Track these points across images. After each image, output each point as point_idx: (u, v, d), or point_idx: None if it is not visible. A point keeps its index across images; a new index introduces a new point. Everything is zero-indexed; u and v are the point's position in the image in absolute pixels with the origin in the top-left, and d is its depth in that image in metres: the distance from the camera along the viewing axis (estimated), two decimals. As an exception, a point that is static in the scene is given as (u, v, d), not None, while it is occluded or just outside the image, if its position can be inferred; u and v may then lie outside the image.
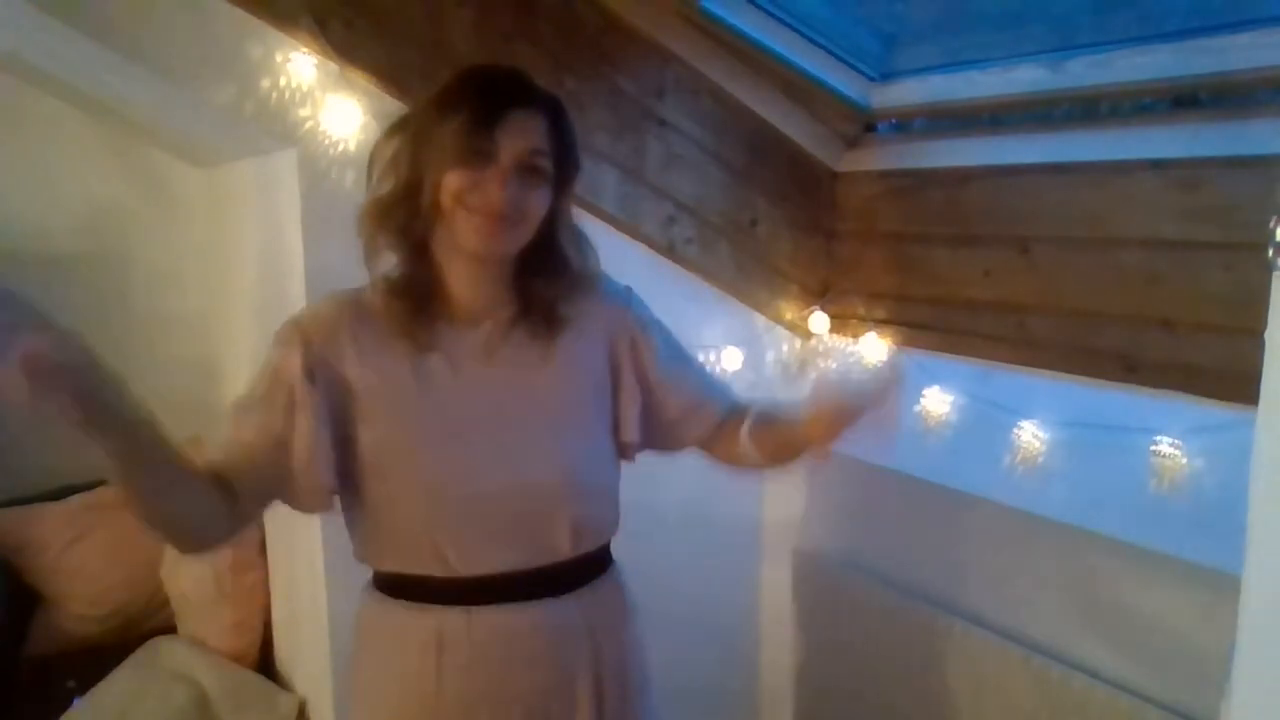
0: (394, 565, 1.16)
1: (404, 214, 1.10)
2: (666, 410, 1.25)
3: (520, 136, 1.07)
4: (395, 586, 1.17)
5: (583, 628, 1.19)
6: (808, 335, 2.24)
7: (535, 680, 1.16)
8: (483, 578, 1.13)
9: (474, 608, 1.13)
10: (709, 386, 1.30)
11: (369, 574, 1.22)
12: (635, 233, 1.97)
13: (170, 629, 2.40)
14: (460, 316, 1.15)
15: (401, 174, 1.10)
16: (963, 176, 1.86)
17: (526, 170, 1.08)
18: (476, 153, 1.06)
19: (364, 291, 1.16)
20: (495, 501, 1.13)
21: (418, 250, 1.12)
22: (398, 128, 1.14)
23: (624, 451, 1.26)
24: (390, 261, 1.15)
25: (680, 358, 1.29)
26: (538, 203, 1.10)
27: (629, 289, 1.27)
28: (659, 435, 1.27)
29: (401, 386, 1.12)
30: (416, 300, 1.12)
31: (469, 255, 1.11)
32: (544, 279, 1.16)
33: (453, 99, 1.08)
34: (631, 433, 1.23)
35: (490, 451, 1.13)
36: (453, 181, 1.06)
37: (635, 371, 1.23)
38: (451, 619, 1.13)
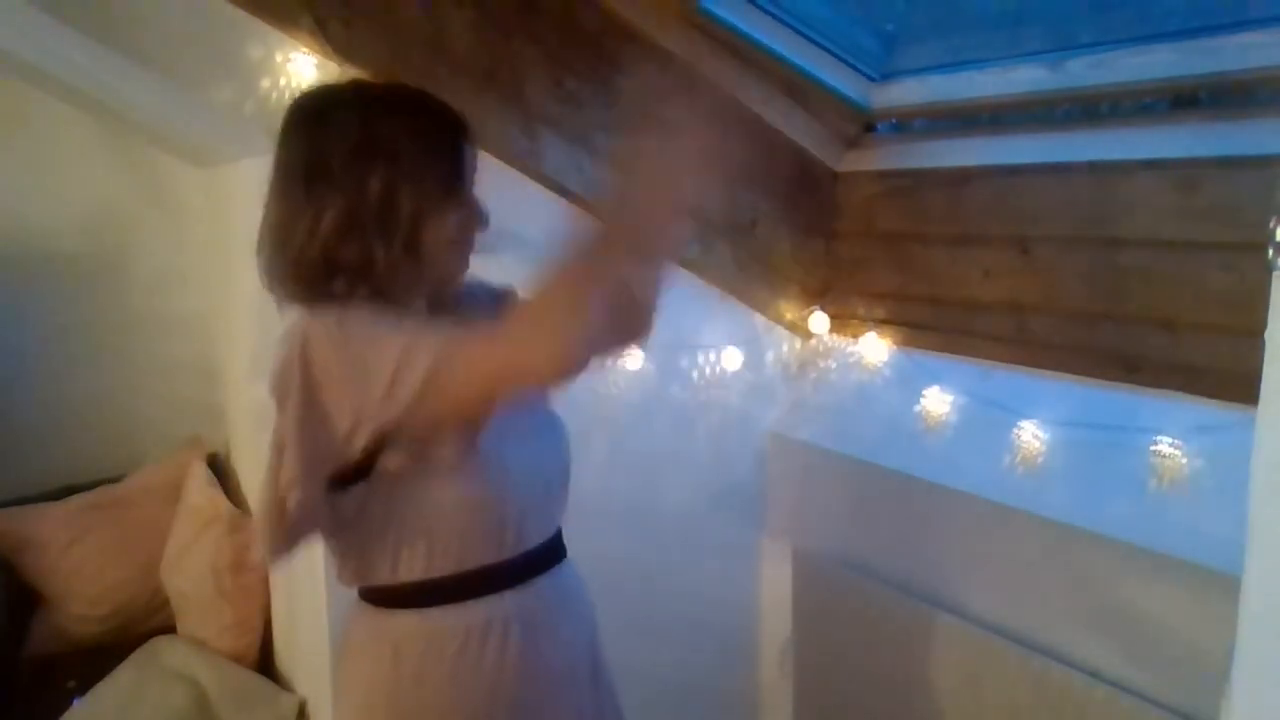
0: (452, 567, 1.13)
1: (386, 260, 1.07)
2: None
3: (470, 163, 1.13)
4: (449, 590, 1.14)
5: (581, 582, 1.29)
6: (808, 335, 2.24)
7: (580, 633, 1.26)
8: (531, 551, 1.18)
9: (532, 581, 1.18)
10: None
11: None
12: (635, 233, 1.97)
13: (170, 629, 2.40)
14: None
15: (381, 225, 1.06)
16: (963, 176, 1.86)
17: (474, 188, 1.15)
18: (456, 195, 1.11)
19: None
20: (553, 471, 1.24)
21: (385, 285, 1.09)
22: (325, 187, 1.05)
23: None
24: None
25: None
26: None
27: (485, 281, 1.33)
28: None
29: None
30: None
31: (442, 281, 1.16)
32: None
33: (422, 141, 1.08)
34: None
35: (538, 424, 1.24)
36: (451, 230, 1.10)
37: None
38: (519, 598, 1.16)
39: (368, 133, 1.06)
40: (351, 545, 1.14)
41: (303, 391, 1.02)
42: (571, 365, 0.99)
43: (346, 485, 1.08)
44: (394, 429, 1.02)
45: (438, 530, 1.11)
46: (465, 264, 1.17)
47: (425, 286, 1.15)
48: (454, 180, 1.10)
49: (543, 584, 1.20)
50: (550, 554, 1.22)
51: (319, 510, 1.08)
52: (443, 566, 1.12)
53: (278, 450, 1.06)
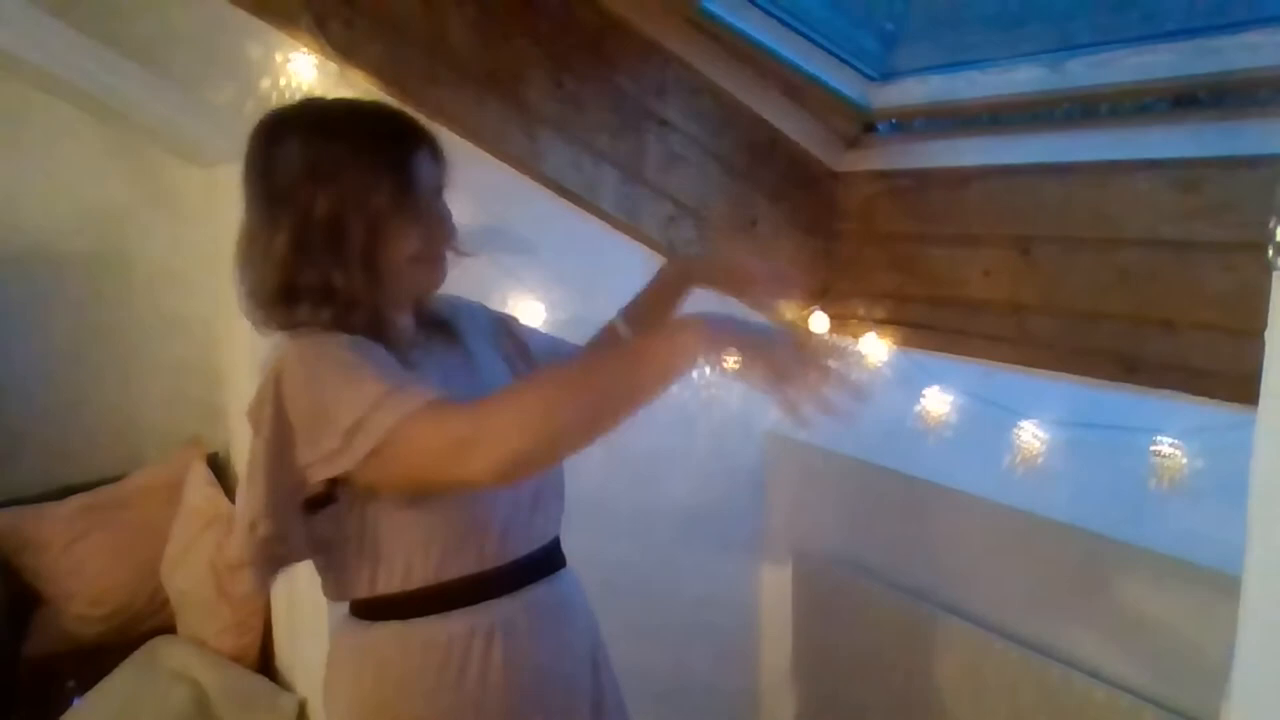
0: (431, 577, 1.12)
1: (364, 282, 1.06)
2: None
3: (428, 175, 1.10)
4: (429, 600, 1.13)
5: (581, 589, 1.28)
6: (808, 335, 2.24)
7: (577, 645, 1.24)
8: (518, 561, 1.17)
9: (520, 591, 1.17)
10: (563, 341, 1.44)
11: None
12: (635, 233, 1.97)
13: (170, 629, 2.40)
14: (404, 341, 1.14)
15: (339, 250, 1.05)
16: (963, 176, 1.86)
17: (440, 197, 1.12)
18: (418, 207, 1.08)
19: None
20: (542, 482, 1.20)
21: (350, 307, 1.08)
22: (305, 202, 1.04)
23: None
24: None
25: (535, 331, 1.43)
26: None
27: (465, 302, 1.34)
28: None
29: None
30: (377, 337, 1.09)
31: (414, 295, 1.15)
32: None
33: (360, 161, 1.05)
34: None
35: None
36: (410, 243, 1.08)
37: (519, 349, 1.34)
38: (505, 607, 1.15)
39: (310, 155, 1.05)
40: (330, 562, 1.14)
41: (274, 421, 1.01)
42: (513, 476, 0.99)
43: (319, 507, 1.08)
44: (346, 478, 1.02)
45: (414, 543, 1.10)
46: (436, 277, 1.14)
47: (397, 305, 1.13)
48: (404, 194, 1.06)
49: (533, 594, 1.18)
50: (541, 564, 1.20)
51: (296, 538, 1.08)
52: (422, 578, 1.11)
53: (250, 476, 1.05)
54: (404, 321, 1.16)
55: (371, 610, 1.15)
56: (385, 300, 1.10)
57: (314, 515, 1.08)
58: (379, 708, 1.14)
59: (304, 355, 1.03)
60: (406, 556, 1.10)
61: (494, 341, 1.31)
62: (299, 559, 1.12)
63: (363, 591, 1.13)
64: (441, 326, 1.22)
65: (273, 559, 1.09)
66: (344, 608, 1.20)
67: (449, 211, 1.14)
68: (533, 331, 1.41)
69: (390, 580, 1.11)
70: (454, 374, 1.18)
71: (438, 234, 1.11)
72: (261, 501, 1.03)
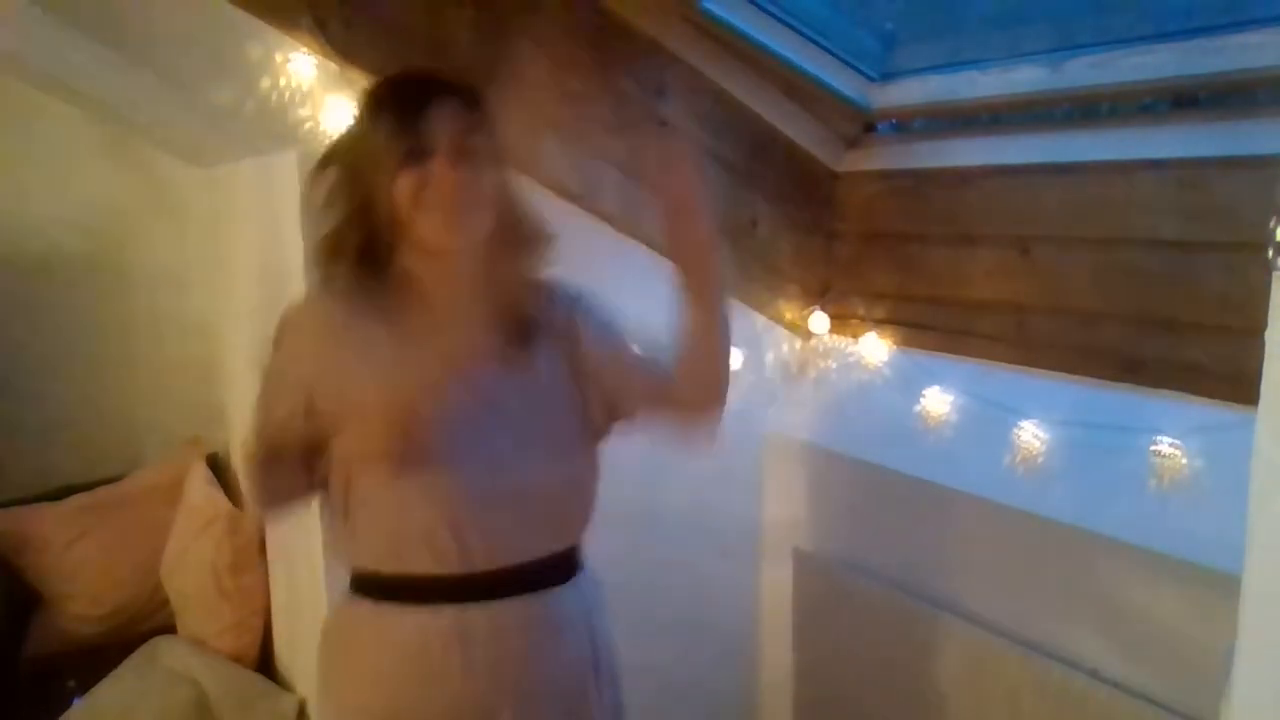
0: (405, 566, 1.13)
1: (361, 238, 1.12)
2: (604, 380, 1.25)
3: (448, 121, 1.09)
4: (394, 588, 1.15)
5: (581, 614, 1.25)
6: (808, 335, 2.24)
7: (552, 666, 1.21)
8: (486, 572, 1.15)
9: (493, 602, 1.15)
10: (643, 355, 1.28)
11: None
12: (635, 232, 1.97)
13: (170, 629, 2.40)
14: (443, 317, 1.15)
15: (347, 201, 1.12)
16: (963, 176, 1.86)
17: (465, 152, 1.09)
18: (414, 150, 1.08)
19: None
20: (526, 496, 1.18)
21: (379, 268, 1.13)
22: (327, 159, 1.16)
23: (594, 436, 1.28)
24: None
25: (612, 331, 1.27)
26: (487, 182, 1.12)
27: (582, 292, 1.27)
28: (606, 407, 1.27)
29: None
30: (386, 307, 1.14)
31: (439, 253, 1.13)
32: (511, 263, 1.19)
33: (373, 111, 1.12)
34: (594, 416, 1.26)
35: (513, 447, 1.17)
36: (403, 186, 1.08)
37: (577, 354, 1.24)
38: (472, 614, 1.14)
39: (349, 123, 1.19)
40: (325, 516, 1.20)
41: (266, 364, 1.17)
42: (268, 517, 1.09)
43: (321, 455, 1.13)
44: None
45: (375, 526, 1.13)
46: (439, 227, 1.10)
47: (415, 257, 1.13)
48: (389, 139, 1.08)
49: (501, 607, 1.15)
50: (520, 580, 1.17)
51: (293, 475, 1.14)
52: (387, 563, 1.15)
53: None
54: (451, 292, 1.16)
55: (355, 582, 1.21)
56: (395, 249, 1.13)
57: (318, 461, 1.13)
58: (342, 686, 1.20)
59: (303, 307, 1.20)
60: (370, 537, 1.15)
61: (561, 354, 1.23)
62: (302, 495, 1.18)
63: (348, 558, 1.20)
64: (523, 331, 1.19)
65: (266, 486, 1.17)
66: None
67: (476, 171, 1.10)
68: (599, 345, 1.25)
69: (360, 556, 1.17)
70: (505, 392, 1.17)
71: (434, 177, 1.08)
72: (252, 426, 1.14)
